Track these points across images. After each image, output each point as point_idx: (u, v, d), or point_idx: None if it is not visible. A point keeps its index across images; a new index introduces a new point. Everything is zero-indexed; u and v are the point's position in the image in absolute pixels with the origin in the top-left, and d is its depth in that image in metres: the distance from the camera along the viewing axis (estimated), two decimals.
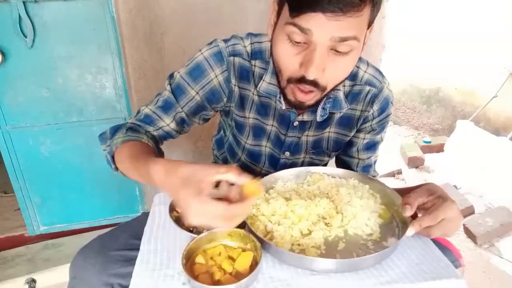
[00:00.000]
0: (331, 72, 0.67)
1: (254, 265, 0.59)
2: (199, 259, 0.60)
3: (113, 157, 0.79)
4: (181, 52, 1.46)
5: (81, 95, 1.46)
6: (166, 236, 0.70)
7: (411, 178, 2.64)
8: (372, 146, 0.97)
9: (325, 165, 1.02)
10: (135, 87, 1.47)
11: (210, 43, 0.84)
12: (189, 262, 0.59)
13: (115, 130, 0.81)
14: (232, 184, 0.56)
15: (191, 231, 0.67)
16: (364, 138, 0.95)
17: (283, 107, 0.83)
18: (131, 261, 0.65)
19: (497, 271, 1.75)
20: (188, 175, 0.54)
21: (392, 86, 0.91)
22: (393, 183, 2.59)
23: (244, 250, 0.62)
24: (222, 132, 1.04)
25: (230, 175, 0.55)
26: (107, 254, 0.74)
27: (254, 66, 0.84)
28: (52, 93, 1.43)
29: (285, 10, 0.64)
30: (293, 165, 0.95)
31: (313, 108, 0.82)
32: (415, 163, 2.78)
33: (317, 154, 0.96)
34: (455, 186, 2.38)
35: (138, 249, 0.67)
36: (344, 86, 0.87)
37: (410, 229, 0.64)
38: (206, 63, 0.82)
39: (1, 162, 1.49)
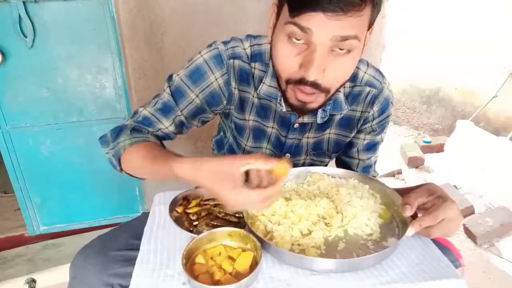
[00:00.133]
0: (331, 73, 0.66)
1: (254, 265, 0.59)
2: (199, 259, 0.60)
3: (118, 159, 0.79)
4: (181, 52, 1.46)
5: (81, 95, 1.46)
6: (166, 236, 0.70)
7: (411, 178, 2.64)
8: (372, 147, 0.97)
9: (325, 166, 1.02)
10: (135, 87, 1.47)
11: (210, 45, 0.83)
12: (189, 262, 0.59)
13: (117, 132, 0.81)
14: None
15: (191, 231, 0.68)
16: (364, 139, 0.95)
17: (284, 110, 0.82)
18: (131, 261, 0.65)
19: (497, 271, 1.75)
20: (218, 170, 0.58)
21: (392, 86, 0.91)
22: (393, 183, 2.59)
23: (244, 250, 0.62)
24: (222, 133, 1.04)
25: (259, 163, 0.58)
26: (107, 254, 0.74)
27: (254, 68, 0.84)
28: (52, 93, 1.43)
29: (285, 10, 0.64)
30: (293, 167, 0.95)
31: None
32: (415, 163, 2.78)
33: (317, 156, 0.96)
34: (455, 186, 2.38)
35: (138, 249, 0.67)
36: (344, 87, 0.86)
37: (410, 229, 0.64)
38: (206, 66, 0.82)
39: (1, 162, 1.49)
